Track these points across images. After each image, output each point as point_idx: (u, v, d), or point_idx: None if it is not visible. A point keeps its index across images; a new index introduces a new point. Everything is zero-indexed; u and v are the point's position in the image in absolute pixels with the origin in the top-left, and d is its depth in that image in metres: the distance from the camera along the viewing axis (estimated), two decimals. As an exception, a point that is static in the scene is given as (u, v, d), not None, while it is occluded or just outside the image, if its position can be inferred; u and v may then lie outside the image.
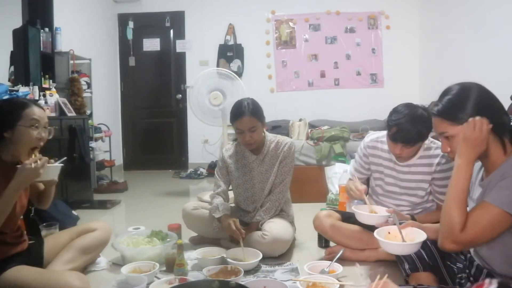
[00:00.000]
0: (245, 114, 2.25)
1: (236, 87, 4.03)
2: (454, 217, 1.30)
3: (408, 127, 1.92)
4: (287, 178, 2.43)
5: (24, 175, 1.65)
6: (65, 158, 1.91)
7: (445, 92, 1.51)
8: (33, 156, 1.73)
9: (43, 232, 2.15)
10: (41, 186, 1.97)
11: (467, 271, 1.50)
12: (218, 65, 5.90)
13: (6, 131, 1.73)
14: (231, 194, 2.56)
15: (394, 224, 1.74)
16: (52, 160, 1.88)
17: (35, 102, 1.86)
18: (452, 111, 1.45)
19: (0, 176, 1.72)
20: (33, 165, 1.65)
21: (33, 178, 1.70)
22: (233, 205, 2.60)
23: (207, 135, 5.88)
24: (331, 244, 2.36)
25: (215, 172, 2.55)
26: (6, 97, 2.96)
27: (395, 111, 2.01)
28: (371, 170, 2.27)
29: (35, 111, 1.78)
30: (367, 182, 2.39)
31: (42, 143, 1.81)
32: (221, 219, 2.32)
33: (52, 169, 1.81)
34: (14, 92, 3.19)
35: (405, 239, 1.57)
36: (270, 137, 2.47)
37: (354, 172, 2.33)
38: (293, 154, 2.43)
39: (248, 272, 2.06)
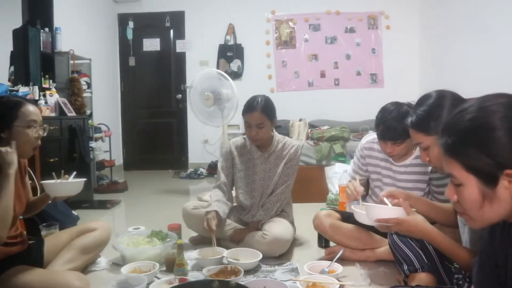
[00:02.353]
0: (256, 109, 2.30)
1: (229, 89, 4.02)
2: (461, 260, 1.38)
3: (394, 124, 1.96)
4: (290, 180, 2.44)
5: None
6: (74, 172, 1.95)
7: (420, 102, 1.57)
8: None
9: (43, 232, 2.15)
10: (30, 197, 1.97)
11: (463, 272, 1.51)
12: (218, 65, 5.90)
13: (3, 132, 1.72)
14: (233, 193, 2.57)
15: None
16: (66, 176, 1.90)
17: (28, 100, 1.86)
18: (424, 123, 1.51)
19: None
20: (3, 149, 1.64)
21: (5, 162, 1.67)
22: (235, 204, 2.60)
23: (207, 135, 5.88)
24: (331, 244, 2.36)
25: (218, 166, 2.58)
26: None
27: (381, 110, 2.06)
28: (369, 171, 2.28)
29: (31, 110, 1.77)
30: (367, 183, 2.39)
31: (39, 142, 1.81)
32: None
33: (76, 184, 1.86)
34: (14, 92, 3.19)
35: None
36: (279, 137, 2.50)
37: (353, 174, 2.34)
38: (298, 157, 2.46)
39: (248, 272, 2.06)
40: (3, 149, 1.64)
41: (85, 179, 1.95)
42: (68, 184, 1.93)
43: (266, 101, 2.36)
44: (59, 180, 1.95)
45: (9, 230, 1.76)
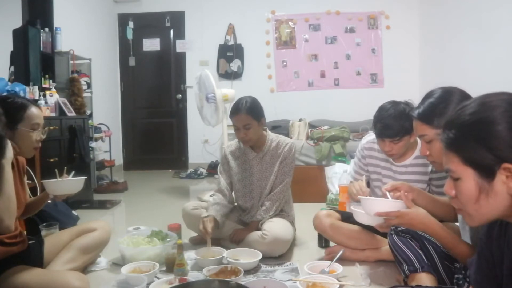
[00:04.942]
0: (241, 111, 2.32)
1: (226, 89, 4.05)
2: (462, 254, 1.38)
3: (391, 122, 1.97)
4: (287, 178, 2.44)
5: None
6: (73, 172, 1.98)
7: (428, 96, 1.56)
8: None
9: (43, 232, 2.14)
10: (28, 198, 1.97)
11: (463, 271, 1.51)
12: (218, 65, 5.91)
13: (6, 131, 1.72)
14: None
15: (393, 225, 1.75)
16: (66, 175, 1.91)
17: (33, 102, 1.88)
18: (431, 115, 1.50)
19: None
20: None
21: None
22: (236, 204, 2.61)
23: (207, 135, 5.88)
24: (331, 244, 2.36)
25: (218, 170, 2.60)
26: (4, 94, 2.96)
27: (378, 109, 2.08)
28: (369, 171, 2.28)
29: (36, 113, 1.79)
30: (367, 184, 2.39)
31: (40, 143, 1.83)
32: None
33: (77, 182, 1.88)
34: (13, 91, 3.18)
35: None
36: (272, 136, 2.49)
37: (354, 174, 2.34)
38: (293, 155, 2.45)
39: (248, 272, 2.06)
40: None
41: (85, 177, 1.96)
42: (69, 182, 1.94)
43: (251, 102, 2.36)
44: (60, 179, 1.96)
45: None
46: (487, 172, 0.86)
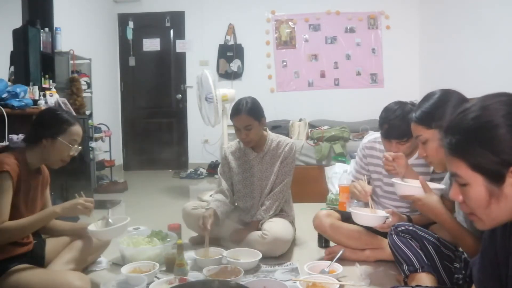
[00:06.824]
0: (241, 112, 2.33)
1: (226, 90, 4.06)
2: (468, 245, 1.40)
3: (398, 123, 1.96)
4: (288, 178, 2.45)
5: (70, 208, 1.80)
6: (110, 210, 2.12)
7: (426, 98, 1.61)
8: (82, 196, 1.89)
9: (44, 232, 2.16)
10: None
11: (463, 272, 1.51)
12: (218, 65, 5.91)
13: (46, 139, 1.81)
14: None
15: (393, 225, 1.75)
16: (105, 216, 2.00)
17: (78, 120, 1.96)
18: (427, 117, 1.56)
19: (23, 179, 1.77)
20: (81, 201, 1.81)
21: (74, 214, 1.87)
22: (236, 204, 2.61)
23: (207, 135, 5.88)
24: (331, 244, 2.36)
25: (218, 172, 2.60)
26: (5, 95, 2.96)
27: (385, 109, 2.06)
28: (370, 171, 2.28)
29: (78, 130, 1.88)
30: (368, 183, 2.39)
31: (69, 159, 1.90)
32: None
33: (122, 228, 1.95)
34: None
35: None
36: (272, 136, 2.50)
37: (356, 174, 2.34)
38: (294, 154, 2.45)
39: (248, 272, 2.06)
40: (89, 204, 1.81)
41: (128, 218, 2.00)
42: (116, 230, 1.95)
43: (251, 103, 2.37)
44: (106, 228, 1.97)
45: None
46: (496, 177, 0.86)
